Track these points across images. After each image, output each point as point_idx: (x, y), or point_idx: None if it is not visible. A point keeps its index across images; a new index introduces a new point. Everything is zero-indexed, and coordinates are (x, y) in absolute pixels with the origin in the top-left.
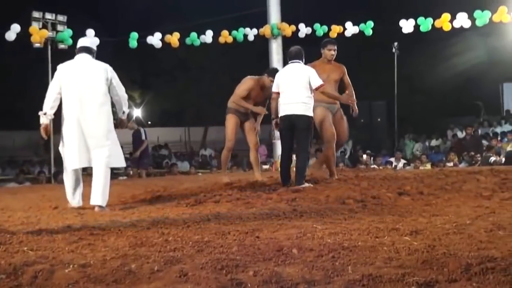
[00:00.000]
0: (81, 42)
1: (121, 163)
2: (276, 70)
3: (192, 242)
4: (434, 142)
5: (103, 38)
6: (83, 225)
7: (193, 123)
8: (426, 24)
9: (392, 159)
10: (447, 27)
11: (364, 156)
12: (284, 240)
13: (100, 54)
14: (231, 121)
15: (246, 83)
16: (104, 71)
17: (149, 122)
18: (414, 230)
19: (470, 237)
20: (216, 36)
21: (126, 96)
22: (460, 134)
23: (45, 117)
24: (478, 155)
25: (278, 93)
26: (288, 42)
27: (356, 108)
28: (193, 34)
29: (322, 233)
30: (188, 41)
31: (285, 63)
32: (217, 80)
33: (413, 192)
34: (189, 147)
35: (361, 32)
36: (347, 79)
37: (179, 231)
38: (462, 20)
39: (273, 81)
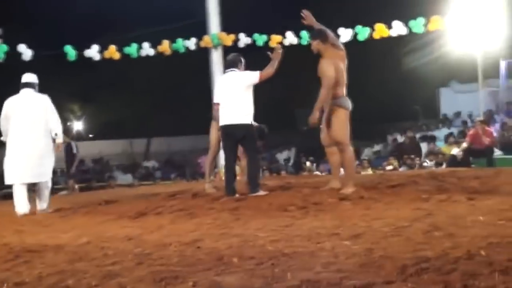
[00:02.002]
0: (24, 78)
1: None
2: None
3: (132, 255)
4: (375, 147)
5: (40, 52)
6: (20, 242)
7: (136, 134)
8: (363, 32)
9: None
10: (385, 34)
11: (308, 163)
12: (225, 249)
13: (37, 67)
14: (214, 127)
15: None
16: (44, 104)
17: (90, 135)
18: (354, 234)
19: (407, 239)
20: (156, 47)
21: (58, 121)
22: (400, 139)
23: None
24: (418, 158)
25: (219, 104)
26: (229, 51)
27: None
28: (133, 46)
29: (264, 240)
30: (126, 51)
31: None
32: (159, 90)
33: (354, 197)
34: (132, 159)
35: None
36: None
37: (119, 244)
38: (398, 28)
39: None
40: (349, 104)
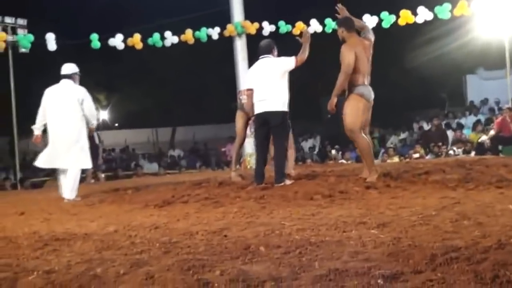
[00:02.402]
0: (62, 69)
1: (87, 164)
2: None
3: (159, 243)
4: (401, 135)
5: (65, 41)
6: (49, 230)
7: (161, 123)
8: (388, 19)
9: None
10: (410, 20)
11: (333, 151)
12: (252, 238)
13: (63, 57)
14: (239, 116)
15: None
16: (78, 95)
17: (116, 124)
18: (381, 223)
19: (436, 228)
20: (179, 36)
21: (94, 111)
22: (426, 127)
23: (36, 130)
24: (444, 146)
25: (252, 90)
26: (253, 40)
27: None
28: (156, 35)
29: (290, 229)
30: (150, 41)
31: (250, 61)
32: (183, 80)
33: (380, 185)
34: (157, 148)
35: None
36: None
37: (146, 233)
38: (424, 14)
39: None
40: (367, 93)
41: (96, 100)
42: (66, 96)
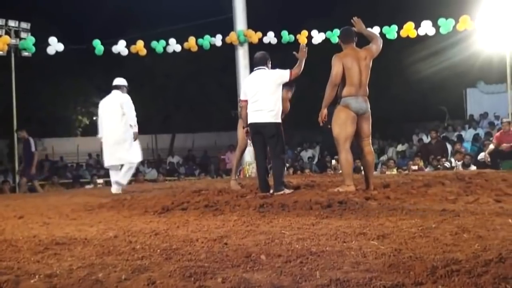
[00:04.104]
0: (114, 82)
1: (136, 159)
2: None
3: (160, 250)
4: (400, 147)
5: (68, 46)
6: (48, 234)
7: (160, 130)
8: (391, 32)
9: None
10: (412, 34)
11: (332, 162)
12: (253, 247)
13: (65, 62)
14: (241, 125)
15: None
16: (120, 101)
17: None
18: (381, 234)
19: (436, 240)
20: (182, 44)
21: (132, 114)
22: (426, 139)
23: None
24: (444, 159)
25: (246, 101)
26: (255, 48)
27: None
28: (161, 42)
29: (290, 238)
30: (156, 47)
31: (251, 69)
32: (184, 87)
33: (380, 196)
34: (157, 154)
35: (328, 40)
36: None
37: (146, 239)
38: (426, 28)
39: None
40: (355, 104)
41: (96, 105)
42: (114, 104)
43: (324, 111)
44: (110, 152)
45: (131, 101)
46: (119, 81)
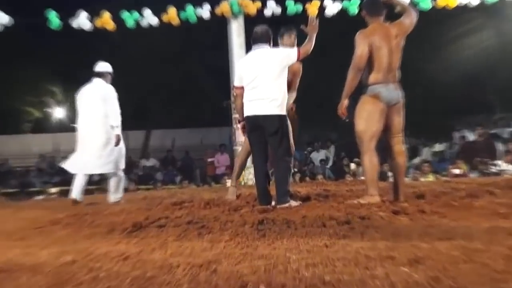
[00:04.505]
0: (96, 67)
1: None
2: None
3: (130, 278)
4: (437, 147)
5: (17, 18)
6: None
7: (132, 125)
8: (426, 1)
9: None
10: (452, 3)
11: (352, 166)
12: (249, 274)
13: (10, 39)
14: None
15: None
16: (102, 93)
17: (74, 125)
18: (414, 258)
19: (484, 266)
20: (159, 16)
21: (115, 113)
22: (470, 137)
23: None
24: (493, 162)
25: (242, 88)
26: (252, 22)
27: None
28: (134, 13)
29: (298, 264)
30: (126, 20)
31: (249, 48)
32: (162, 71)
33: (412, 210)
34: (127, 156)
35: (344, 11)
36: None
37: (113, 265)
38: None
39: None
40: (386, 94)
41: (50, 93)
42: (94, 97)
43: (345, 102)
44: (90, 158)
45: (115, 94)
46: (102, 66)
